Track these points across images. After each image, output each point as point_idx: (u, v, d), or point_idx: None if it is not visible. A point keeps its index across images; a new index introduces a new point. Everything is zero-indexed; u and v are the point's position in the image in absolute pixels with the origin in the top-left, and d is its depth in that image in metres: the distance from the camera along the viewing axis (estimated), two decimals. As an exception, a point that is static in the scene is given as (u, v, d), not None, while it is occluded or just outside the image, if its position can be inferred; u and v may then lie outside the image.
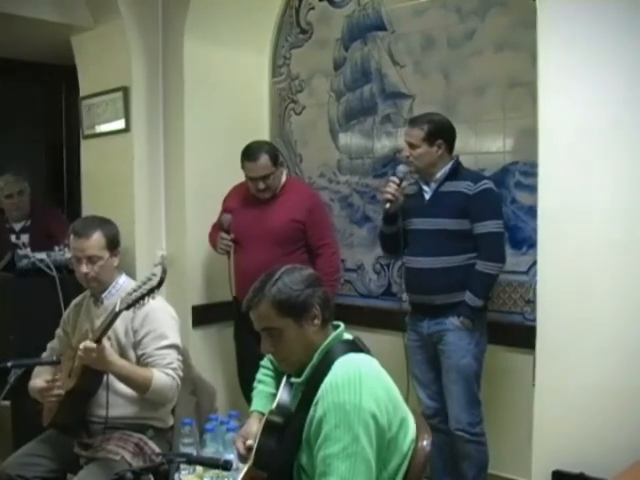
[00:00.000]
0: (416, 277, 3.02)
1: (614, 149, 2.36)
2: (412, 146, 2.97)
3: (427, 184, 3.02)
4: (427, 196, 3.01)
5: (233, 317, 3.54)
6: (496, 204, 2.96)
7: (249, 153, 3.36)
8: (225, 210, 3.57)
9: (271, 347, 1.80)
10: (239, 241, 3.46)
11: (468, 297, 2.87)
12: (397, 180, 3.01)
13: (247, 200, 3.47)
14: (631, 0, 2.30)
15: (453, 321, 2.90)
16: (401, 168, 3.04)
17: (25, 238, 4.18)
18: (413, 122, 3.02)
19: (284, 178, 3.48)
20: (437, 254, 2.92)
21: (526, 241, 3.14)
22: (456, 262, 2.91)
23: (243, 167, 3.40)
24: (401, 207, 3.06)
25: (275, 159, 3.37)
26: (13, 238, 4.15)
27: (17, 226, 4.24)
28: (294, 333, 1.77)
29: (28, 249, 3.59)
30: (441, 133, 2.96)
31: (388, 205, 3.00)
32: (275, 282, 1.78)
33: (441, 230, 2.92)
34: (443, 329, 2.93)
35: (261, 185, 3.34)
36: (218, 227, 3.55)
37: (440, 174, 2.97)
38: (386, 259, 3.62)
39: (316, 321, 1.78)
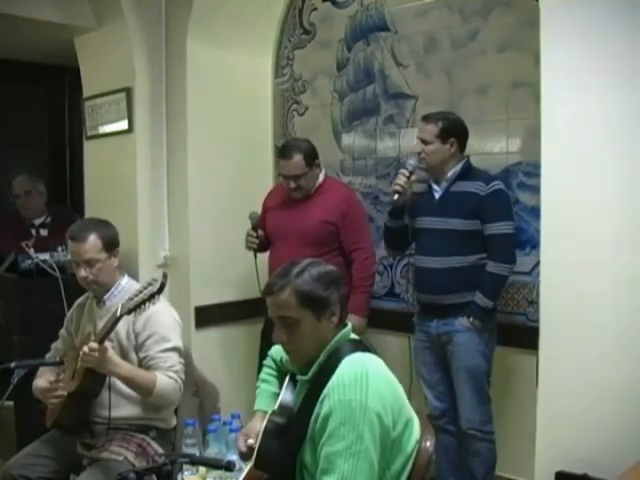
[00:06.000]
0: (425, 277, 2.98)
1: (618, 150, 2.35)
2: (425, 142, 2.93)
3: (437, 183, 2.99)
4: (437, 195, 2.98)
5: (263, 314, 3.46)
6: (507, 205, 2.92)
7: (284, 150, 3.35)
8: (263, 208, 3.57)
9: (283, 336, 1.78)
10: (272, 240, 3.47)
11: (478, 298, 2.86)
12: (407, 172, 2.95)
13: (284, 199, 3.44)
14: (633, 0, 2.30)
15: (463, 322, 2.88)
16: (411, 161, 2.99)
17: (44, 232, 4.23)
18: (427, 118, 2.97)
19: (321, 179, 3.40)
20: (447, 254, 2.90)
21: (529, 242, 3.13)
22: (465, 262, 2.89)
23: (277, 163, 3.42)
24: (409, 205, 3.03)
25: (310, 160, 3.30)
26: (33, 232, 4.19)
27: (37, 221, 4.29)
28: (310, 326, 1.76)
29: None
30: (454, 131, 2.93)
31: (396, 197, 2.95)
32: (301, 272, 1.77)
33: (451, 230, 2.90)
34: (452, 330, 2.90)
35: (292, 184, 3.31)
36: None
37: (451, 173, 2.95)
38: (390, 256, 3.55)
39: (334, 319, 1.78)
